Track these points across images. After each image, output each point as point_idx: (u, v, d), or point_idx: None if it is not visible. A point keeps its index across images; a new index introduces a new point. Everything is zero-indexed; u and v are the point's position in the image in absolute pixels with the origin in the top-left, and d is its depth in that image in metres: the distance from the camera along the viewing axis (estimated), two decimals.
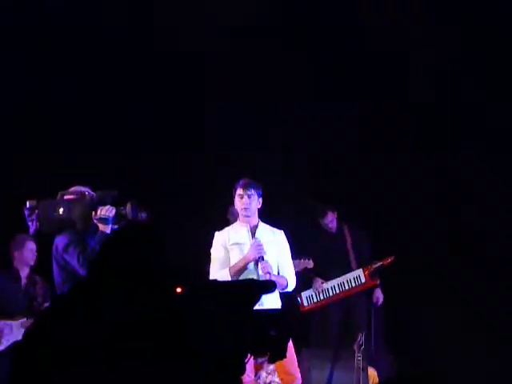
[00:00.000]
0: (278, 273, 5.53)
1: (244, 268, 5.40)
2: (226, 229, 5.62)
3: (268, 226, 5.63)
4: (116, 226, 5.03)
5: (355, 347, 6.55)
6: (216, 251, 5.54)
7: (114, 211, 5.02)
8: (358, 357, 6.52)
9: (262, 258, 5.36)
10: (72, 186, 5.19)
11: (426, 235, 7.51)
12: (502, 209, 7.40)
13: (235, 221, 5.70)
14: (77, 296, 2.79)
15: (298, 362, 6.61)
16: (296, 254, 6.94)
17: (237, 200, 5.47)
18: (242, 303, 3.12)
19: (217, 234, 5.61)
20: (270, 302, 5.26)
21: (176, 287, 2.93)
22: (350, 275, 7.29)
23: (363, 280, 7.24)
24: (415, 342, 7.36)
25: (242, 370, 3.17)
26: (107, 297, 2.73)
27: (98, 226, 5.03)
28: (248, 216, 5.48)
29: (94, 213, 5.03)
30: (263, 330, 3.24)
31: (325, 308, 7.34)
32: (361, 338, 6.59)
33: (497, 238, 7.35)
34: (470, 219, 7.44)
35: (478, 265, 7.38)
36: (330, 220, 7.42)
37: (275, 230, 5.64)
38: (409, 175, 7.56)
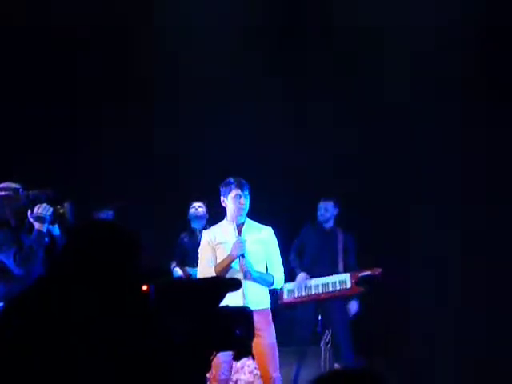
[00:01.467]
0: (267, 269, 5.61)
1: (229, 266, 5.48)
2: (214, 227, 5.73)
3: (255, 223, 5.71)
4: (51, 226, 5.02)
5: (322, 345, 6.58)
6: (203, 250, 5.63)
7: (51, 210, 4.98)
8: (325, 354, 6.54)
9: (243, 256, 5.43)
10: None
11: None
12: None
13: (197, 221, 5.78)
14: (44, 293, 2.78)
15: None
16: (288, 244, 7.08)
17: (233, 200, 5.53)
18: (207, 301, 3.14)
19: (204, 232, 5.75)
20: (258, 298, 5.44)
21: (142, 285, 2.94)
22: (337, 278, 7.27)
23: (348, 286, 7.21)
24: (383, 341, 7.41)
25: (208, 367, 3.19)
26: (76, 295, 2.72)
27: (32, 224, 4.98)
28: (242, 215, 5.56)
29: (29, 211, 4.99)
30: (228, 328, 3.25)
31: (296, 306, 7.37)
32: (327, 335, 6.61)
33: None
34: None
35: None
36: (328, 216, 7.49)
37: (263, 226, 5.71)
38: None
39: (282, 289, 7.19)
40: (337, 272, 7.32)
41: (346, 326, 7.26)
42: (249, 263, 5.46)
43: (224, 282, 3.49)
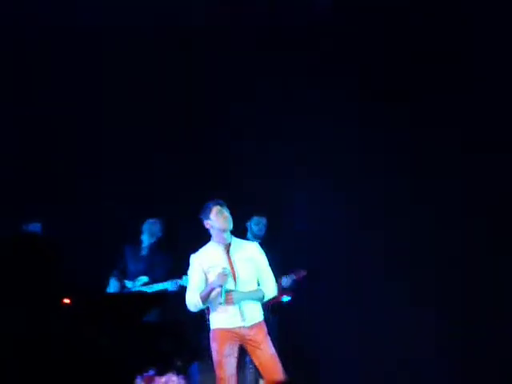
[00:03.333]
0: (259, 283, 5.92)
1: (210, 294, 5.79)
2: (201, 251, 5.95)
3: (240, 241, 6.02)
4: None
5: (247, 360, 6.58)
6: (193, 274, 5.89)
7: None
8: (250, 368, 6.55)
9: (221, 286, 5.73)
10: None
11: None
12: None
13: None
14: None
15: (190, 375, 6.65)
16: None
17: (216, 217, 5.81)
18: (130, 316, 3.13)
19: (193, 256, 5.95)
20: (254, 314, 5.83)
21: (64, 298, 2.90)
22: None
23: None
24: (309, 355, 7.46)
25: (132, 382, 3.18)
26: None
27: None
28: (227, 229, 5.84)
29: None
30: (151, 342, 3.25)
31: None
32: None
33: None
34: None
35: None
36: (261, 226, 7.49)
37: (248, 242, 6.10)
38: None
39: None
40: None
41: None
42: (237, 292, 5.77)
43: (148, 298, 3.48)
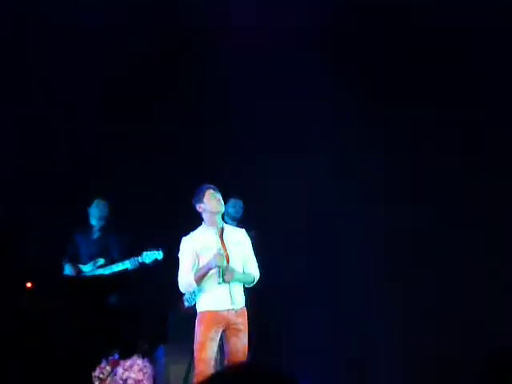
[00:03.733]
0: (244, 270, 5.97)
1: (206, 274, 5.82)
2: (193, 234, 5.97)
3: (231, 226, 6.16)
4: None
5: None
6: (185, 256, 5.88)
7: None
8: (217, 353, 6.60)
9: (218, 266, 5.79)
10: None
11: None
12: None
13: None
14: None
15: (155, 358, 6.66)
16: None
17: (209, 199, 5.90)
18: (94, 298, 3.15)
19: (185, 239, 5.95)
20: (241, 298, 5.88)
21: (26, 282, 2.92)
22: None
23: None
24: (276, 342, 7.53)
25: (94, 365, 3.20)
26: None
27: None
28: (221, 213, 5.96)
29: None
30: (114, 326, 3.27)
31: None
32: None
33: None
34: None
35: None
36: (238, 208, 7.57)
37: (237, 228, 6.18)
38: None
39: (182, 300, 7.28)
40: None
41: None
42: (234, 270, 5.85)
43: (110, 281, 3.50)
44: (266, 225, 7.43)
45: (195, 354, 5.74)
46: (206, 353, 5.68)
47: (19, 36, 7.92)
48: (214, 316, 5.79)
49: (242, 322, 5.86)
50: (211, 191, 5.91)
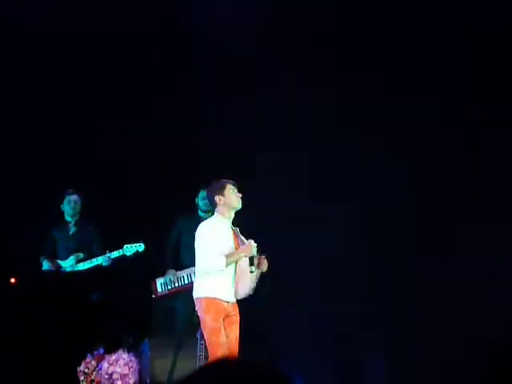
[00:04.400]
0: None
1: (235, 261, 5.95)
2: (212, 222, 6.09)
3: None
4: None
5: (198, 335, 6.61)
6: (212, 240, 5.94)
7: None
8: (201, 345, 6.58)
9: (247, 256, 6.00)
10: None
11: None
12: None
13: None
14: None
15: (141, 352, 6.63)
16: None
17: (230, 194, 6.02)
18: (77, 293, 3.12)
19: (206, 225, 6.06)
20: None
21: (10, 278, 2.88)
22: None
23: None
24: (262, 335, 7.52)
25: (79, 360, 3.17)
26: None
27: None
28: (238, 209, 6.06)
29: None
30: (98, 320, 3.24)
31: (170, 297, 7.40)
32: None
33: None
34: None
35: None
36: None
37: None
38: None
39: (154, 283, 7.38)
40: None
41: None
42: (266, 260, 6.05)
43: (93, 276, 3.47)
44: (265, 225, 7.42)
45: (211, 340, 5.81)
46: (223, 337, 5.80)
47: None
48: (221, 305, 5.89)
49: (237, 313, 5.99)
50: (232, 186, 6.03)
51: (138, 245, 7.25)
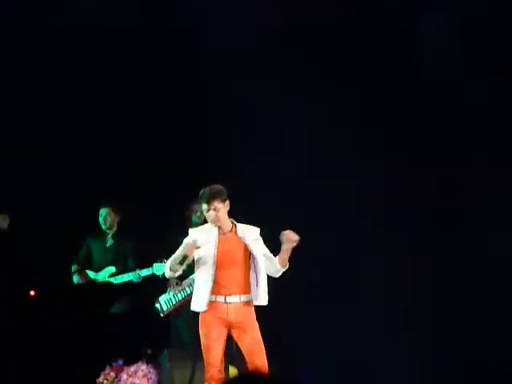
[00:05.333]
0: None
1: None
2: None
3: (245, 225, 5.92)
4: None
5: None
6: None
7: None
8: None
9: None
10: None
11: None
12: None
13: None
14: None
15: (159, 363, 6.63)
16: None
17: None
18: (95, 307, 3.15)
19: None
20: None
21: (30, 290, 2.92)
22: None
23: None
24: (282, 344, 7.50)
25: (98, 372, 3.20)
26: None
27: None
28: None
29: None
30: (118, 332, 3.28)
31: (179, 312, 7.35)
32: None
33: None
34: None
35: None
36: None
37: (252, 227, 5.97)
38: None
39: (159, 303, 7.15)
40: None
41: None
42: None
43: (115, 288, 3.50)
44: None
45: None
46: (213, 356, 5.70)
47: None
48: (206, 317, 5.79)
49: (244, 320, 5.80)
50: (205, 206, 5.75)
51: None
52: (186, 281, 7.28)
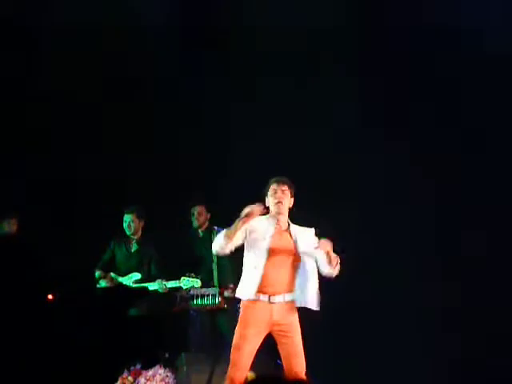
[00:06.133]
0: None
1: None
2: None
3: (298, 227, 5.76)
4: None
5: None
6: None
7: None
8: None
9: None
10: None
11: None
12: None
13: None
14: None
15: (177, 367, 6.63)
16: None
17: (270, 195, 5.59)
18: (114, 311, 3.15)
19: None
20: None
21: (48, 294, 2.92)
22: (210, 291, 7.34)
23: (217, 301, 7.32)
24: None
25: (116, 376, 3.19)
26: None
27: None
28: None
29: None
30: (135, 336, 3.28)
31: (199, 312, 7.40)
32: None
33: None
34: None
35: None
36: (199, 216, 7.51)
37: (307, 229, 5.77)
38: None
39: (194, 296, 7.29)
40: (211, 276, 7.41)
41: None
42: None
43: (131, 292, 3.50)
44: None
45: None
46: (241, 356, 5.49)
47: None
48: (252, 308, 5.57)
49: (287, 324, 5.61)
50: (274, 186, 5.62)
51: (195, 280, 7.19)
52: (205, 290, 7.33)
